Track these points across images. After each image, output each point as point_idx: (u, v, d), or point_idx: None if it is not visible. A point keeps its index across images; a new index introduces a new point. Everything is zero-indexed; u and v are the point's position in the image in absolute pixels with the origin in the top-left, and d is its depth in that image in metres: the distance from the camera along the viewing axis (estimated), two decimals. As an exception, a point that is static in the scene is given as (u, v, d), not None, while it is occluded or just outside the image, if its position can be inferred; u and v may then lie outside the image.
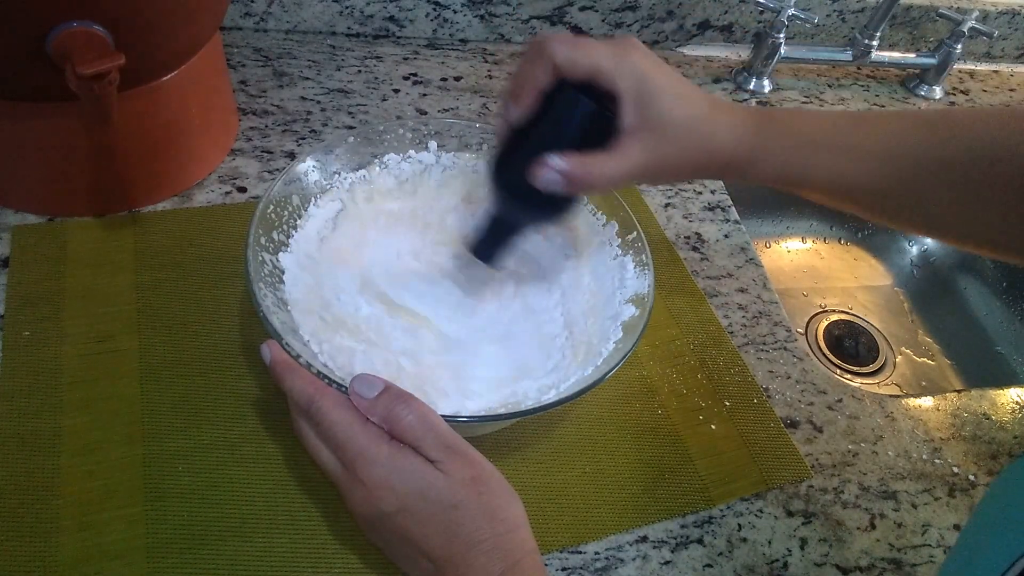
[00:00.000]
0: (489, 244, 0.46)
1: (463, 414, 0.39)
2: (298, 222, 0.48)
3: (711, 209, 0.70)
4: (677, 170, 0.42)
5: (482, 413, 0.41)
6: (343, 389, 0.37)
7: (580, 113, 0.40)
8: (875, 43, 0.87)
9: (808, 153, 0.43)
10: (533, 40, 0.41)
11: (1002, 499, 0.31)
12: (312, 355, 0.40)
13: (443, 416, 0.37)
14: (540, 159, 0.39)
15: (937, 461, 0.54)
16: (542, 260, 0.53)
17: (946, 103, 0.95)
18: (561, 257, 0.53)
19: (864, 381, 0.78)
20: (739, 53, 0.93)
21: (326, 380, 0.37)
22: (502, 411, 0.41)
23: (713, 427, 0.52)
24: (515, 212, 0.44)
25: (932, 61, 0.92)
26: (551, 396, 0.41)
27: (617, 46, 0.40)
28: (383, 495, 0.34)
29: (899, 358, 0.82)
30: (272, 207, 0.46)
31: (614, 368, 0.41)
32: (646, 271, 0.48)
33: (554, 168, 0.39)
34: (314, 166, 0.49)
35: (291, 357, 0.38)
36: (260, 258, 0.43)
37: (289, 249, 0.46)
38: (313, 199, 0.49)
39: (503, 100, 0.42)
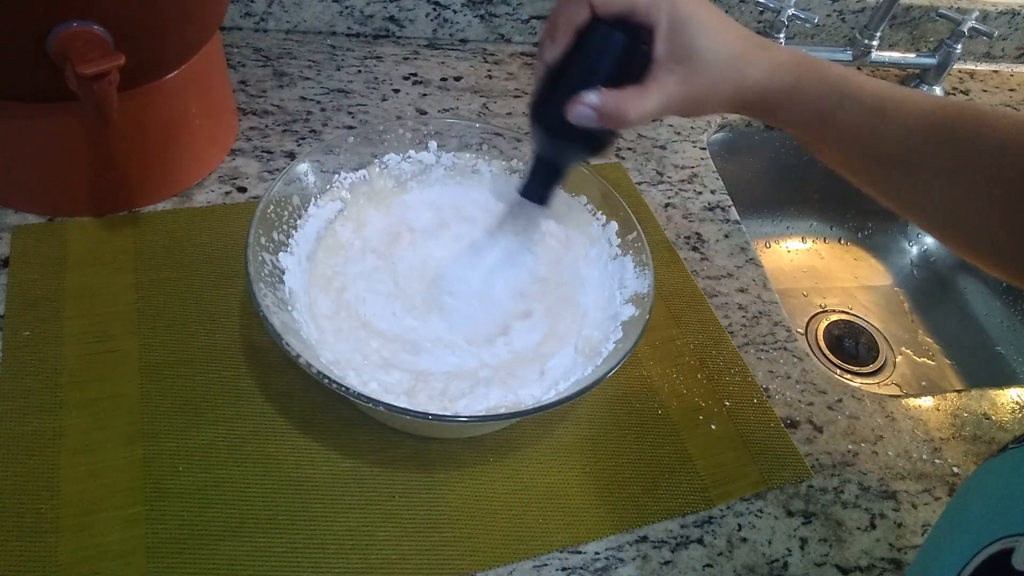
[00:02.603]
0: (537, 184, 0.46)
1: (463, 414, 0.39)
2: (298, 222, 0.48)
3: (711, 209, 0.70)
4: (709, 103, 0.42)
5: (482, 413, 0.41)
6: (343, 390, 0.37)
7: (614, 47, 0.41)
8: (875, 43, 0.87)
9: (840, 104, 0.42)
10: None
11: (966, 497, 0.31)
12: (314, 356, 0.40)
13: (443, 416, 0.37)
14: (574, 95, 0.40)
15: (937, 461, 0.54)
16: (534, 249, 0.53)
17: (946, 103, 0.95)
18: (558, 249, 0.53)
19: (864, 381, 0.78)
20: (739, 53, 0.92)
21: (326, 380, 0.37)
22: (502, 411, 0.41)
23: (713, 427, 0.52)
24: (557, 149, 0.45)
25: (932, 61, 0.92)
26: (551, 396, 0.41)
27: None
28: None
29: (899, 358, 0.82)
30: (272, 207, 0.46)
31: (614, 368, 0.41)
32: (646, 271, 0.48)
33: (587, 103, 0.40)
34: (314, 166, 0.49)
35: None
36: (260, 258, 0.43)
37: (289, 249, 0.46)
38: (313, 199, 0.49)
39: (540, 40, 0.42)
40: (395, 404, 0.38)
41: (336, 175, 0.50)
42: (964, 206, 0.40)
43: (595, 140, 0.44)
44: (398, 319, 0.47)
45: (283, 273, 0.45)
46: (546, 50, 0.42)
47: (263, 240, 0.44)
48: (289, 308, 0.43)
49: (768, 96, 0.42)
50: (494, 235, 0.51)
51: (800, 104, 0.42)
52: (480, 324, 0.48)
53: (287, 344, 0.38)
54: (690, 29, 0.40)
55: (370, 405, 0.37)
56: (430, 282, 0.49)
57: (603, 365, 0.43)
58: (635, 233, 0.50)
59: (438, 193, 0.54)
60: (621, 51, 0.41)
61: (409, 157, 0.53)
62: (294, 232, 0.47)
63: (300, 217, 0.48)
